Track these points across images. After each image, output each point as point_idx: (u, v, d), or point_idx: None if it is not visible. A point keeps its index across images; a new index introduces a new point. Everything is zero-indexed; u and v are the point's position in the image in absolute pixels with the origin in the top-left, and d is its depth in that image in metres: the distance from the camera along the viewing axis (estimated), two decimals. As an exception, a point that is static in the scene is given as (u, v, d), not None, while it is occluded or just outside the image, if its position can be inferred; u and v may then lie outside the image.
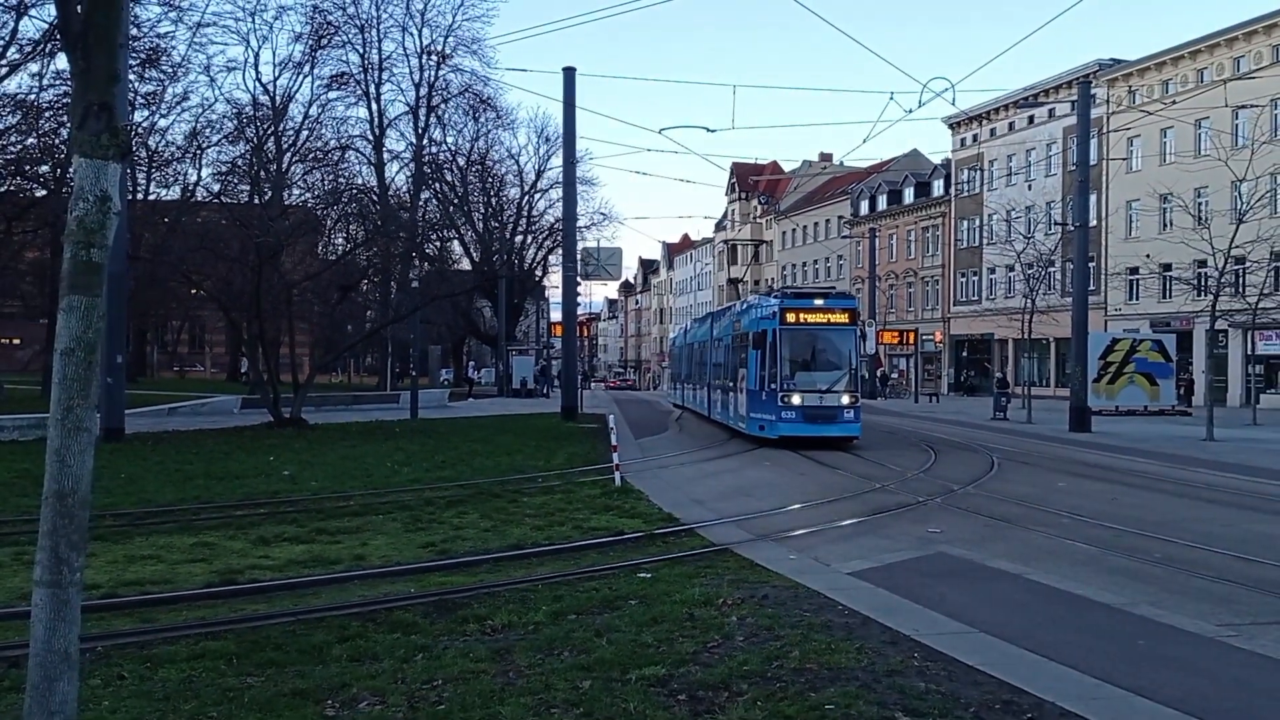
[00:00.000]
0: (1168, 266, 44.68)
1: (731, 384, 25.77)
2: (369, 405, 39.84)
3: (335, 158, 49.39)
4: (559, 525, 11.85)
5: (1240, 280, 31.94)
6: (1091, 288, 40.60)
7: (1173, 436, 27.63)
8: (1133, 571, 9.57)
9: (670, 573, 9.11)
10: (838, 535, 11.67)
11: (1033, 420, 33.84)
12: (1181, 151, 47.46)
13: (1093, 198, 46.65)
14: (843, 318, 22.56)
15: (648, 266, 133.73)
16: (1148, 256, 47.76)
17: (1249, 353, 40.64)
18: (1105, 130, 49.47)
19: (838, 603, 7.94)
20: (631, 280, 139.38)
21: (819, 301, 22.81)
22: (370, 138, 52.63)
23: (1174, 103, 44.50)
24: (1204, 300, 31.37)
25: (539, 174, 61.02)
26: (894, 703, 5.54)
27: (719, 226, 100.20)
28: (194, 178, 45.95)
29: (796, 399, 21.73)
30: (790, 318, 22.15)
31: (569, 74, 30.76)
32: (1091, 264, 44.52)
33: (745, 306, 25.49)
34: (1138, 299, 51.15)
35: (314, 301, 32.30)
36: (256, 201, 41.83)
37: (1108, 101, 50.92)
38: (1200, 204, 43.03)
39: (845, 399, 21.94)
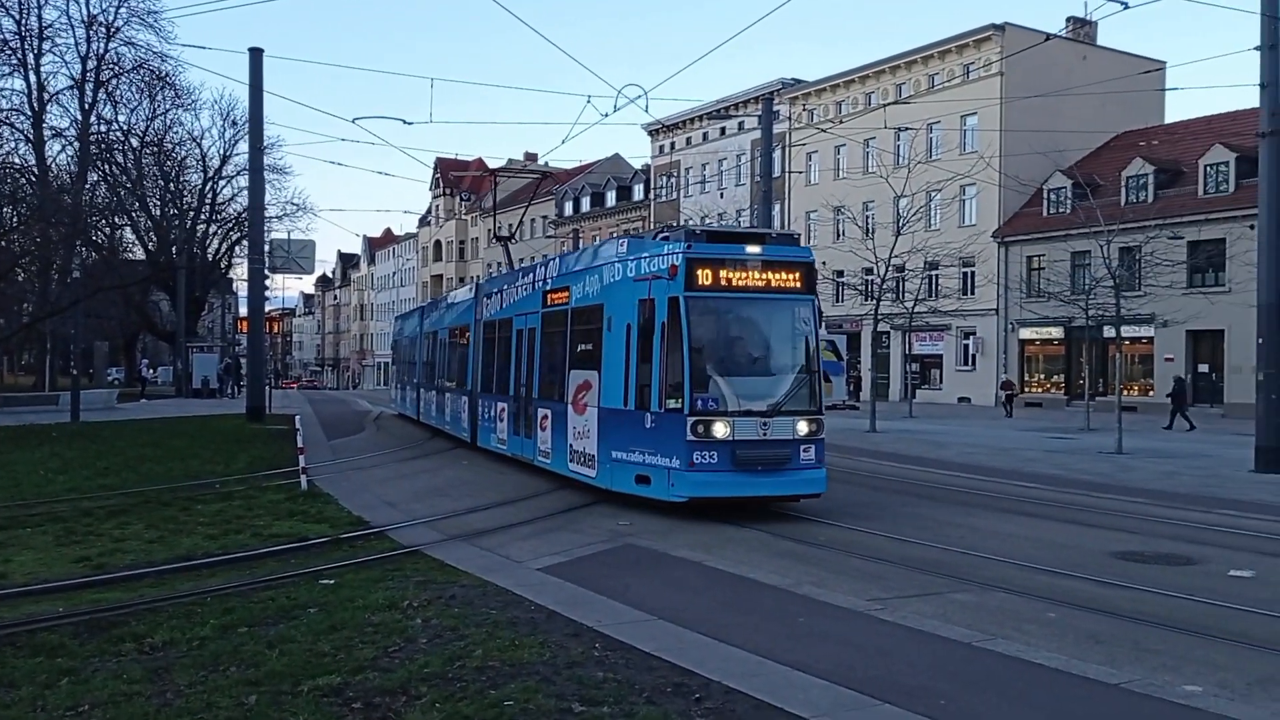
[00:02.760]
0: (840, 273, 48.50)
1: (542, 399, 15.92)
2: (22, 408, 35.82)
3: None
4: (236, 533, 11.16)
5: (900, 286, 35.15)
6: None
7: (842, 429, 30.02)
8: (799, 554, 10.27)
9: (355, 578, 8.82)
10: (530, 532, 11.75)
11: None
12: (852, 168, 51.82)
13: (776, 207, 50.05)
14: (793, 280, 12.49)
15: (347, 261, 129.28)
16: (824, 264, 51.62)
17: (907, 352, 44.96)
18: (787, 145, 53.15)
19: (525, 599, 7.98)
20: (330, 275, 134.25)
21: (754, 249, 12.39)
22: (28, 112, 47.41)
23: (843, 122, 48.49)
24: (869, 304, 34.28)
25: (224, 159, 57.30)
26: (572, 694, 5.62)
27: (423, 222, 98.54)
28: None
29: (721, 428, 11.82)
30: (704, 277, 12.09)
31: (256, 55, 29.11)
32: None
33: (593, 258, 14.50)
34: (815, 302, 55.17)
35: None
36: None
37: (789, 118, 54.69)
38: (868, 216, 47.10)
39: (803, 426, 12.17)
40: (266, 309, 37.91)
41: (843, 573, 9.34)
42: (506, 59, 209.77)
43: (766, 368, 12.68)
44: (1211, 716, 5.53)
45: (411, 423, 30.10)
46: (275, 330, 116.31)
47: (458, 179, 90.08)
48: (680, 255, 12.07)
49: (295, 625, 7.13)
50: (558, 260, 16.60)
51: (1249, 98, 11.95)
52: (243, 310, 53.65)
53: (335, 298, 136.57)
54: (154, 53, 44.99)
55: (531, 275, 17.29)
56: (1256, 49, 13.48)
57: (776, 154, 44.22)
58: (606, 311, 13.40)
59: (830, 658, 6.46)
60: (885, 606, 8.00)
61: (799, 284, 12.56)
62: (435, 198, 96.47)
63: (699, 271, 12.09)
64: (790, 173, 54.77)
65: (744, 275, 12.28)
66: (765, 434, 11.95)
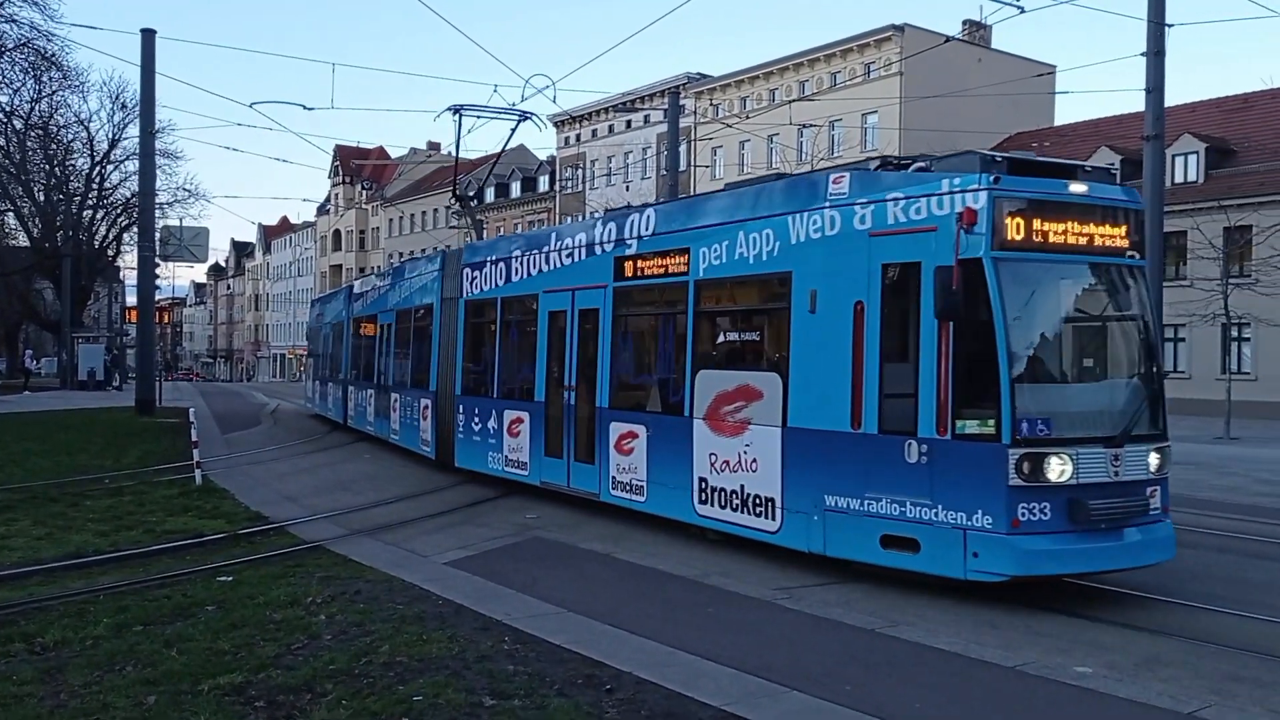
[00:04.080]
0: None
1: (621, 409, 11.59)
2: (-106, 400, 34.03)
3: None
4: (128, 530, 10.79)
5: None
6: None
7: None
8: (707, 546, 10.33)
9: (255, 575, 8.61)
10: (436, 526, 11.62)
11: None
12: (756, 163, 52.37)
13: (681, 201, 50.24)
14: (1124, 236, 8.51)
15: (241, 249, 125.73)
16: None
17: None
18: (693, 139, 53.46)
19: (432, 593, 7.90)
20: (223, 264, 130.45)
21: (1079, 188, 8.32)
22: (-102, 90, 44.95)
23: (748, 118, 49.01)
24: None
25: (113, 143, 55.02)
26: (482, 687, 5.59)
27: (322, 210, 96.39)
28: None
29: (1059, 467, 7.78)
30: (1018, 229, 7.97)
31: (148, 36, 28.13)
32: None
33: (754, 204, 9.94)
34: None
35: None
36: None
37: (695, 113, 55.03)
38: (771, 212, 47.61)
39: (1154, 459, 8.31)
40: (156, 298, 36.64)
41: (751, 562, 9.44)
42: (411, 46, 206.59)
43: (1105, 370, 8.81)
44: (1100, 695, 5.77)
45: (333, 424, 25.72)
46: (165, 320, 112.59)
47: (359, 167, 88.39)
48: (984, 193, 7.83)
49: (193, 623, 6.94)
50: (650, 213, 11.39)
51: (1135, 102, 12.51)
52: (131, 299, 51.89)
53: (229, 287, 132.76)
54: (39, 31, 42.82)
55: (587, 235, 12.34)
56: (1143, 55, 14.03)
57: (682, 148, 44.45)
58: (801, 284, 8.99)
59: (739, 647, 6.54)
60: (791, 595, 8.13)
61: (1132, 242, 8.50)
62: (335, 186, 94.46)
63: (1012, 220, 7.88)
64: (696, 167, 55.10)
65: (1071, 228, 8.14)
66: (1116, 474, 7.93)
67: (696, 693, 5.54)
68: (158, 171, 31.20)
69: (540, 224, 69.57)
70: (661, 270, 10.97)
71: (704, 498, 10.07)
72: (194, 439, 16.73)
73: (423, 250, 76.38)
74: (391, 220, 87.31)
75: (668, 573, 8.99)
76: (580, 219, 63.68)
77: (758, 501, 9.40)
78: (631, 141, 61.13)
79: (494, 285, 14.45)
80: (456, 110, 17.02)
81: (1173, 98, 12.69)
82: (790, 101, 45.88)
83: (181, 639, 6.54)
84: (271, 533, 10.83)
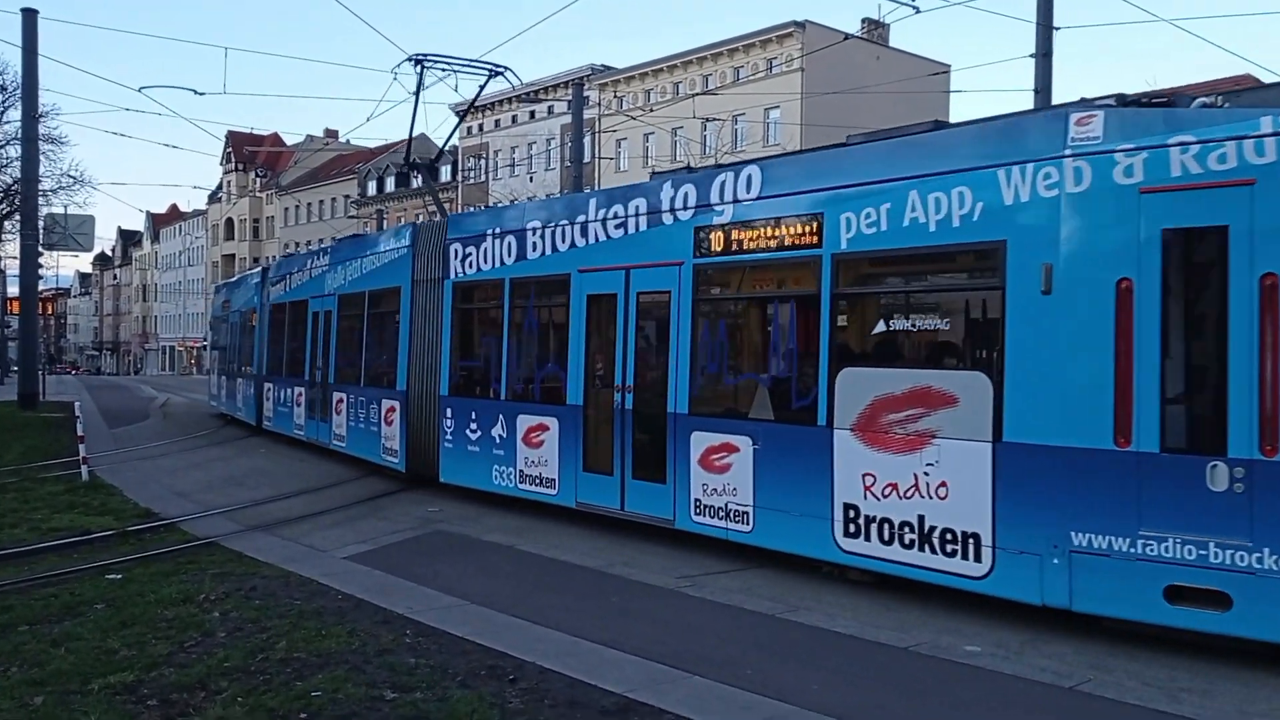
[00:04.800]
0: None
1: (712, 417, 9.45)
2: None
3: None
4: (11, 527, 10.40)
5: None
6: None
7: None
8: (611, 537, 10.39)
9: (146, 572, 8.38)
10: (335, 521, 11.43)
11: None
12: (661, 156, 52.54)
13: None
14: None
15: (129, 238, 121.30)
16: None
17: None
18: (597, 131, 53.39)
19: (331, 588, 7.78)
20: (109, 253, 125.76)
21: None
22: None
23: (652, 111, 49.17)
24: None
25: (-8, 127, 52.70)
26: (384, 681, 5.54)
27: (213, 198, 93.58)
28: None
29: None
30: None
31: (29, 16, 26.99)
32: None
33: (944, 151, 7.79)
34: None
35: None
36: None
37: (600, 104, 54.98)
38: (675, 205, 47.90)
39: None
40: (40, 289, 35.16)
41: (654, 553, 9.52)
42: (307, 31, 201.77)
43: None
44: (988, 673, 6.00)
45: (221, 416, 25.10)
46: (49, 312, 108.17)
47: (252, 154, 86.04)
48: None
49: (81, 622, 6.72)
50: (753, 171, 9.03)
51: (1025, 101, 13.04)
52: (13, 290, 49.60)
53: (115, 277, 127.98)
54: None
55: (649, 200, 9.99)
56: (1032, 56, 14.50)
57: (586, 140, 44.41)
58: (1022, 257, 7.07)
59: (643, 634, 6.61)
60: (694, 583, 8.23)
61: None
62: (227, 173, 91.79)
63: None
64: (600, 159, 55.11)
65: None
66: None
67: (600, 680, 5.59)
68: (41, 157, 29.79)
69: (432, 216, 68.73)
70: (774, 243, 8.74)
71: (853, 530, 7.89)
72: (80, 434, 16.12)
73: (319, 241, 74.72)
74: (287, 209, 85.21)
75: (572, 564, 9.02)
76: (483, 209, 63.18)
77: (949, 538, 7.31)
78: (535, 132, 60.82)
79: (497, 264, 11.98)
80: (418, 61, 14.81)
81: (1060, 97, 13.10)
82: (694, 95, 46.19)
83: (70, 638, 6.34)
84: (162, 529, 10.54)
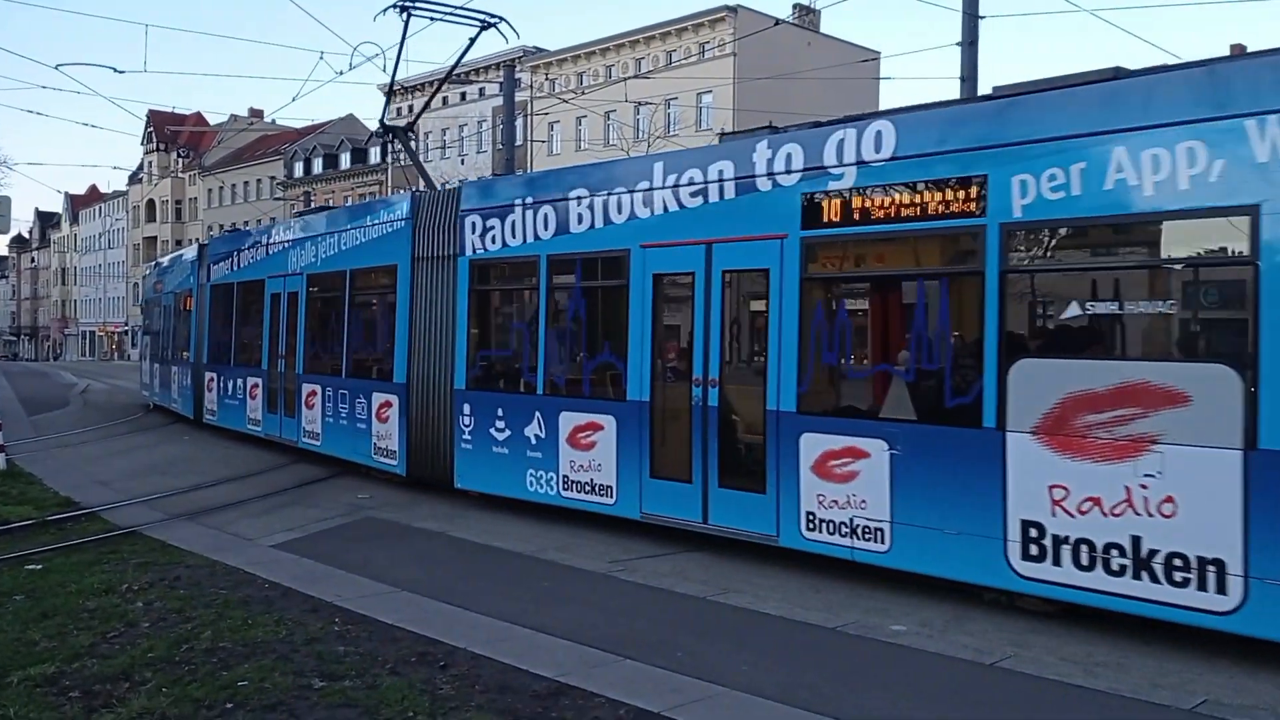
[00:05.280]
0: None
1: (856, 417, 8.05)
2: None
3: None
4: (-78, 518, 10.05)
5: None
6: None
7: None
8: (544, 522, 10.37)
9: (66, 562, 8.19)
10: (263, 509, 11.26)
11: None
12: (594, 139, 52.40)
13: (517, 176, 49.89)
14: None
15: (47, 220, 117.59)
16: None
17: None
18: (530, 113, 53.05)
19: (258, 577, 7.68)
20: (26, 235, 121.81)
21: None
22: None
23: (585, 94, 48.98)
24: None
25: (-102, 102, 50.72)
26: (312, 670, 5.49)
27: (134, 179, 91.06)
28: None
29: None
30: None
31: (-64, -15, 25.93)
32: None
33: (1232, 71, 6.39)
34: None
35: None
36: None
37: (532, 86, 54.61)
38: (608, 189, 47.81)
39: None
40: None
41: (585, 538, 9.53)
42: (231, 8, 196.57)
43: None
44: (912, 651, 6.14)
45: (154, 407, 23.23)
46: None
47: (174, 134, 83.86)
48: None
49: (0, 614, 6.55)
50: (883, 126, 7.66)
51: (953, 89, 13.25)
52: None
53: (33, 260, 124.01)
54: None
55: (736, 163, 8.59)
56: (959, 44, 14.71)
57: (519, 122, 44.12)
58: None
59: (575, 619, 6.63)
60: (626, 568, 8.27)
61: None
62: (149, 153, 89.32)
63: None
64: (533, 142, 54.75)
65: None
66: None
67: (532, 665, 5.60)
68: (-51, 134, 28.83)
69: (373, 196, 67.55)
70: (916, 210, 7.41)
71: (1035, 552, 6.62)
72: (-6, 421, 15.65)
73: (245, 223, 73.27)
74: (211, 190, 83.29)
75: (504, 549, 9.01)
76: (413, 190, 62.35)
77: (1178, 564, 6.04)
78: (467, 114, 60.22)
79: (528, 238, 10.42)
80: (403, 8, 13.09)
81: (985, 86, 13.32)
82: (626, 79, 46.10)
83: (-14, 632, 6.18)
84: (83, 518, 10.29)
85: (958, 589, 7.07)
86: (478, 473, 11.01)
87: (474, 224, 11.10)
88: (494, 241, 10.87)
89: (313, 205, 60.06)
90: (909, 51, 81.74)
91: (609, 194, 9.58)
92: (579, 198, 9.89)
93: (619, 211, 9.47)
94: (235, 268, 17.70)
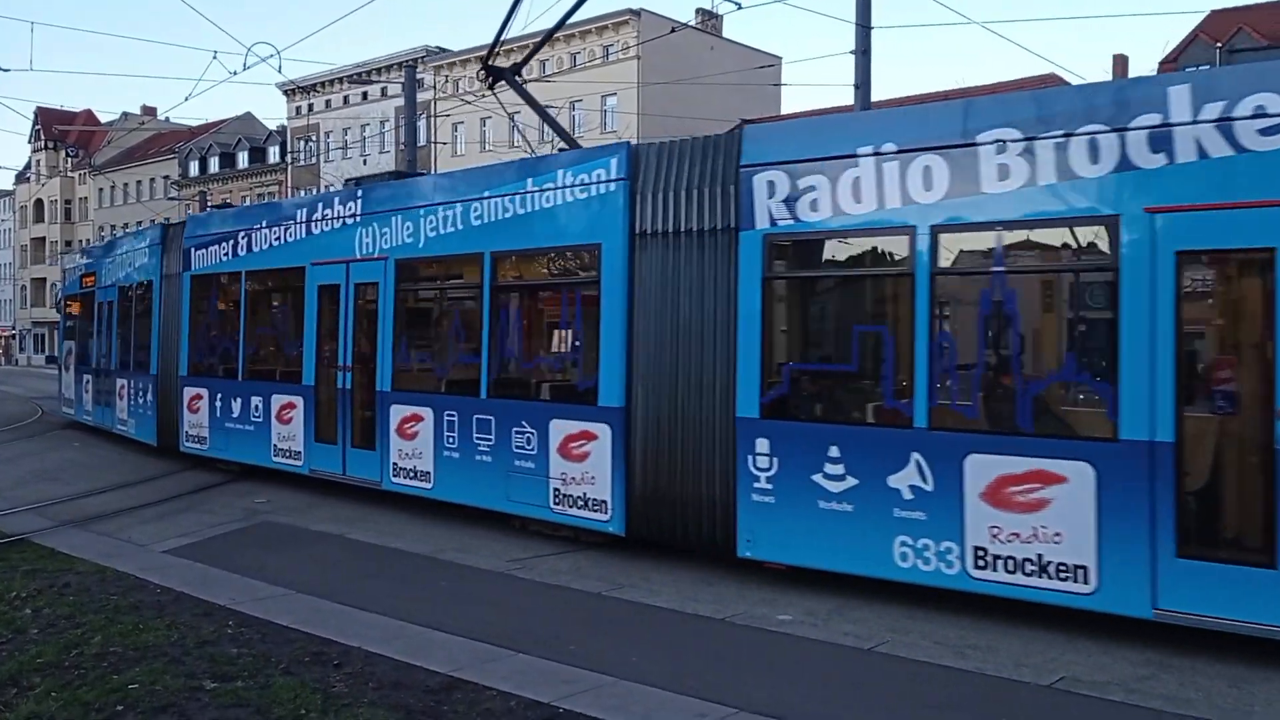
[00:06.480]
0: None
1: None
2: None
3: None
4: None
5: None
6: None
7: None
8: (444, 522, 10.43)
9: (-52, 572, 7.96)
10: (156, 515, 11.09)
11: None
12: (498, 141, 52.20)
13: (421, 177, 49.43)
14: None
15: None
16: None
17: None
18: (432, 114, 52.61)
19: (150, 582, 7.62)
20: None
21: None
22: None
23: (487, 95, 48.83)
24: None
25: None
26: (204, 671, 5.51)
27: (21, 178, 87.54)
28: None
29: None
30: None
31: None
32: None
33: None
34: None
35: None
36: None
37: (434, 87, 54.16)
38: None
39: None
40: None
41: (485, 537, 9.64)
42: (121, 7, 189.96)
43: None
44: (796, 639, 6.42)
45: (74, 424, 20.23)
46: None
47: (63, 132, 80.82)
48: None
49: (-124, 627, 6.39)
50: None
51: (849, 96, 13.74)
52: None
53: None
54: None
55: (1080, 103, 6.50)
56: (853, 53, 15.15)
57: (421, 123, 43.78)
58: None
59: (471, 617, 6.76)
60: (524, 566, 8.41)
61: None
62: (36, 152, 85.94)
63: None
64: (436, 143, 54.32)
65: None
66: None
67: (426, 661, 5.71)
68: None
69: (271, 197, 66.07)
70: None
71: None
72: None
73: (139, 223, 70.83)
74: (102, 190, 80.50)
75: (402, 550, 9.06)
76: (314, 191, 61.31)
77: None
78: (367, 114, 59.41)
79: (825, 217, 7.55)
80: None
81: (880, 93, 13.82)
82: (530, 81, 46.09)
83: None
84: (-35, 528, 9.99)
85: (843, 582, 7.36)
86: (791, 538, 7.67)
87: (772, 183, 7.82)
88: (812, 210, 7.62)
89: (209, 205, 58.32)
90: (809, 58, 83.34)
91: (924, 156, 7.08)
92: (891, 155, 7.24)
93: (912, 185, 7.12)
94: (240, 252, 13.80)
